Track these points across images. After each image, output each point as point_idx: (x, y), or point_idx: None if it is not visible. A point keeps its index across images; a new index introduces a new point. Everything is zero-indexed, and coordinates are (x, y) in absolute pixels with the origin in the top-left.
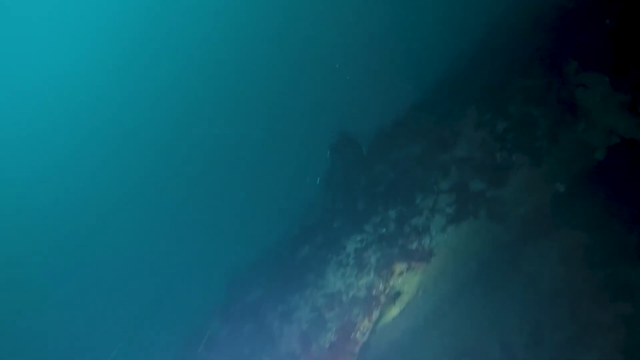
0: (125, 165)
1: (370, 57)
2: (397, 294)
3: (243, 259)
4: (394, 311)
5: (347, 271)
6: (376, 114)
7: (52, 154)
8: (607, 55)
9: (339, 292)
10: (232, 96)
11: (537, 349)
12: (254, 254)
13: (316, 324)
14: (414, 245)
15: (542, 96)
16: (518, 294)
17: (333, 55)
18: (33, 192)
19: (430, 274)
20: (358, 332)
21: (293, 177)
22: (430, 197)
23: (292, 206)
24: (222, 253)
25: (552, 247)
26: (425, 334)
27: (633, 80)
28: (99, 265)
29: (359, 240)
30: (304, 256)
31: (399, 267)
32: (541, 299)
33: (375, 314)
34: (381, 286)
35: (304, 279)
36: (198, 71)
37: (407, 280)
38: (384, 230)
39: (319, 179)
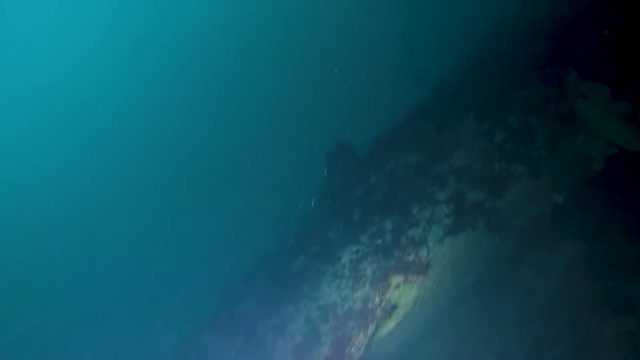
0: (122, 171)
1: (368, 65)
2: (394, 307)
3: (237, 268)
4: (390, 325)
5: (342, 283)
6: (373, 123)
7: (53, 156)
8: (607, 66)
9: (333, 304)
10: (228, 104)
11: None
12: (248, 263)
13: (310, 338)
14: (411, 257)
15: (541, 106)
16: (517, 306)
17: (332, 62)
18: (34, 192)
19: (427, 286)
20: (353, 347)
21: (289, 185)
22: (428, 207)
23: (288, 215)
24: (217, 261)
25: (551, 259)
26: (422, 347)
27: (633, 91)
28: (92, 271)
29: (354, 251)
30: (298, 266)
31: (396, 279)
32: (540, 312)
33: (371, 328)
34: (377, 299)
35: (299, 290)
36: (196, 73)
37: (404, 293)
38: (380, 241)
39: (313, 200)
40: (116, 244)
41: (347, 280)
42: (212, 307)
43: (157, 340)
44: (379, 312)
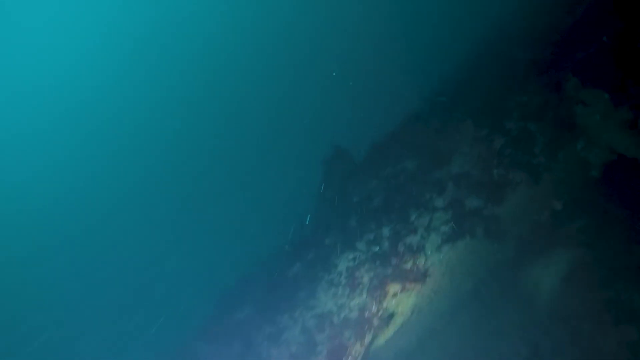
0: (119, 174)
1: (366, 70)
2: (391, 316)
3: (232, 275)
4: (387, 333)
5: (338, 291)
6: (371, 128)
7: (53, 156)
8: (606, 72)
9: (330, 312)
10: (226, 108)
11: None
12: (243, 270)
13: (306, 347)
14: (409, 265)
15: (539, 112)
16: (515, 314)
17: (330, 65)
18: (33, 192)
19: (425, 294)
20: (350, 357)
21: (285, 192)
22: (426, 214)
23: (284, 221)
24: (212, 268)
25: (550, 267)
26: (419, 356)
27: (633, 97)
28: (88, 275)
29: (351, 258)
30: (294, 274)
31: (393, 288)
32: (539, 320)
33: (368, 337)
34: (374, 308)
35: (294, 298)
36: (194, 76)
37: (401, 302)
38: (377, 248)
39: (308, 217)
40: (113, 248)
41: (343, 288)
42: (207, 314)
43: (152, 346)
44: (376, 321)
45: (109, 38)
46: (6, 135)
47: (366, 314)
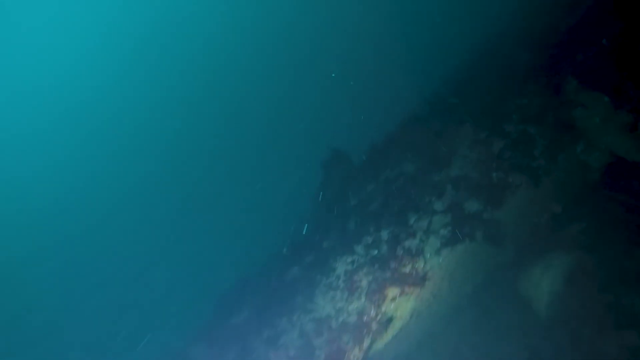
0: (117, 176)
1: (365, 72)
2: (389, 320)
3: (230, 278)
4: (386, 338)
5: (337, 295)
6: (369, 130)
7: (53, 156)
8: (606, 75)
9: (328, 316)
10: (223, 113)
11: None
12: (241, 273)
13: (304, 351)
14: (408, 269)
15: (539, 115)
16: (515, 319)
17: (329, 66)
18: (32, 193)
19: (424, 298)
20: None
21: (283, 194)
22: (425, 217)
23: (282, 224)
24: (209, 271)
25: (550, 271)
26: None
27: (633, 100)
28: (84, 278)
29: (349, 262)
30: (292, 277)
31: (392, 291)
32: (539, 324)
33: (367, 342)
34: (373, 312)
35: (292, 302)
36: (192, 77)
37: (400, 306)
38: (375, 252)
39: (306, 226)
40: (110, 250)
41: (341, 292)
42: (204, 317)
43: (148, 350)
44: (374, 325)
45: (109, 38)
46: (6, 135)
47: (365, 318)
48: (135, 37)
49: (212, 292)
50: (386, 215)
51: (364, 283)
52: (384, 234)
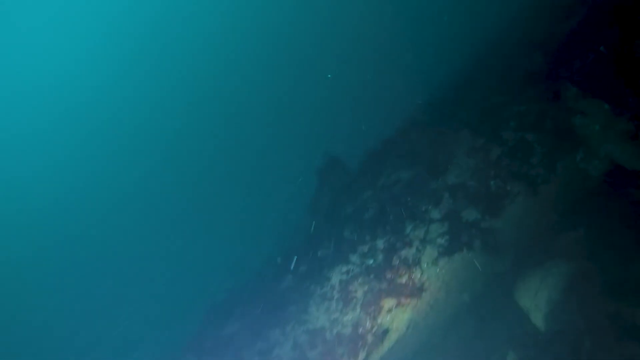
0: (114, 181)
1: (361, 77)
2: (385, 332)
3: (222, 287)
4: (382, 350)
5: (331, 305)
6: (365, 136)
7: (53, 156)
8: (606, 82)
9: (322, 328)
10: (216, 120)
11: None
12: (233, 282)
13: None
14: (404, 279)
15: (537, 122)
16: (513, 329)
17: (325, 68)
18: (32, 193)
19: (421, 309)
20: None
21: (277, 202)
22: (422, 226)
23: (275, 232)
24: (200, 280)
25: (549, 280)
26: None
27: (634, 108)
28: (72, 285)
29: (344, 271)
30: (285, 287)
31: (388, 302)
32: (538, 335)
33: (362, 355)
34: (368, 324)
35: (286, 312)
36: (184, 80)
37: (396, 317)
38: (371, 261)
39: (295, 258)
40: (100, 257)
41: (336, 302)
42: (194, 328)
43: None
44: (370, 338)
45: (110, 38)
46: (6, 135)
47: (360, 330)
48: (135, 38)
49: (202, 302)
50: (382, 224)
51: (359, 293)
52: (380, 243)
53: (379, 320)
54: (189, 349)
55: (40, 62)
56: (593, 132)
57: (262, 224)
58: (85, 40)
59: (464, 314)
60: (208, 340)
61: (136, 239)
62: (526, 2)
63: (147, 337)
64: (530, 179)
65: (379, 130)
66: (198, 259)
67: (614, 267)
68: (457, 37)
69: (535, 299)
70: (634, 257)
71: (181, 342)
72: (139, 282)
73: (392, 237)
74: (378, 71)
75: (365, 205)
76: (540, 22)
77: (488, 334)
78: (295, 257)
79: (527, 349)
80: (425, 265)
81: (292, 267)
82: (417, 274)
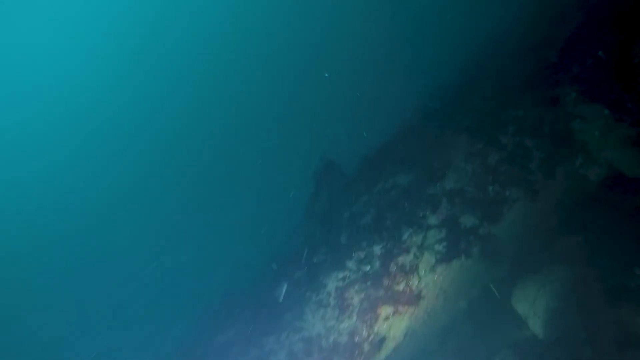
0: (111, 187)
1: (359, 82)
2: (382, 340)
3: (216, 294)
4: (378, 359)
5: (327, 312)
6: (362, 141)
7: (53, 156)
8: (605, 87)
9: (318, 336)
10: (211, 127)
11: None
12: (228, 289)
13: None
14: (401, 287)
15: (536, 127)
16: (512, 336)
17: (323, 69)
18: (32, 193)
19: (418, 316)
20: None
21: (273, 206)
22: (419, 232)
23: (270, 238)
24: (194, 287)
25: (548, 287)
26: None
27: (634, 114)
28: (68, 291)
29: (340, 278)
30: (281, 294)
31: (385, 310)
32: (537, 343)
33: None
34: (365, 332)
35: (281, 320)
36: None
37: (393, 325)
38: (368, 268)
39: (285, 286)
40: (96, 261)
41: (332, 309)
42: (189, 335)
43: None
44: (366, 346)
45: (111, 38)
46: (6, 135)
47: (356, 338)
48: (136, 39)
49: (197, 308)
50: (379, 230)
51: (356, 301)
52: (377, 249)
53: (376, 328)
54: (181, 356)
55: (41, 62)
56: (592, 138)
57: (258, 229)
58: (86, 41)
59: (462, 322)
60: (201, 348)
61: (132, 242)
62: (524, 8)
63: (141, 343)
64: (529, 185)
65: (376, 135)
66: (192, 265)
67: (614, 274)
68: (455, 42)
69: (534, 306)
70: (633, 263)
71: (174, 349)
72: (133, 289)
73: (389, 243)
74: (376, 76)
75: (362, 210)
76: (538, 27)
77: (486, 341)
78: (286, 284)
79: (526, 356)
80: (423, 272)
81: (281, 298)
82: (414, 281)
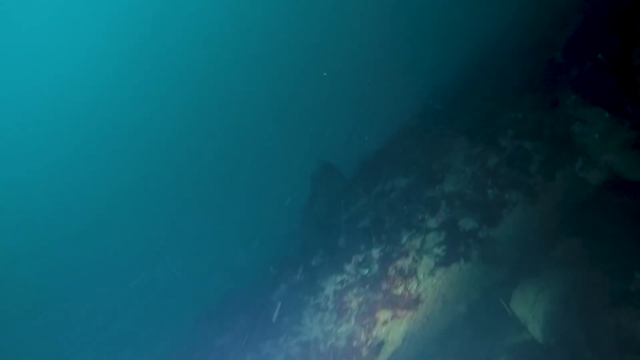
0: (108, 191)
1: (358, 85)
2: (381, 344)
3: (214, 298)
4: None
5: (325, 316)
6: (361, 144)
7: (53, 156)
8: (605, 90)
9: (316, 340)
10: (209, 129)
11: None
12: (225, 293)
13: None
14: (400, 291)
15: (535, 130)
16: (511, 340)
17: (322, 69)
18: (32, 193)
19: (417, 320)
20: None
21: (271, 209)
22: (418, 235)
23: (270, 240)
24: (192, 290)
25: (547, 291)
26: None
27: (634, 117)
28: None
29: (339, 281)
30: (278, 297)
31: (383, 314)
32: (536, 347)
33: None
34: (363, 336)
35: (279, 323)
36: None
37: (392, 329)
38: (366, 271)
39: (279, 305)
40: (92, 266)
41: (330, 313)
42: (186, 339)
43: None
44: (364, 351)
45: (111, 38)
46: (6, 135)
47: (354, 342)
48: (136, 40)
49: (193, 312)
50: (378, 233)
51: (354, 305)
52: (376, 253)
53: (374, 333)
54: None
55: (41, 62)
56: (592, 141)
57: (256, 232)
58: (86, 40)
59: (461, 326)
60: (198, 352)
61: (131, 243)
62: (524, 9)
63: (137, 346)
64: (528, 188)
65: (375, 137)
66: (188, 268)
67: (614, 278)
68: (454, 44)
69: (533, 310)
70: (633, 267)
71: (171, 353)
72: (130, 292)
73: (388, 247)
74: (374, 78)
75: (361, 213)
76: (538, 29)
77: (485, 345)
78: (280, 303)
79: None
80: (422, 276)
81: (274, 318)
82: (413, 285)
